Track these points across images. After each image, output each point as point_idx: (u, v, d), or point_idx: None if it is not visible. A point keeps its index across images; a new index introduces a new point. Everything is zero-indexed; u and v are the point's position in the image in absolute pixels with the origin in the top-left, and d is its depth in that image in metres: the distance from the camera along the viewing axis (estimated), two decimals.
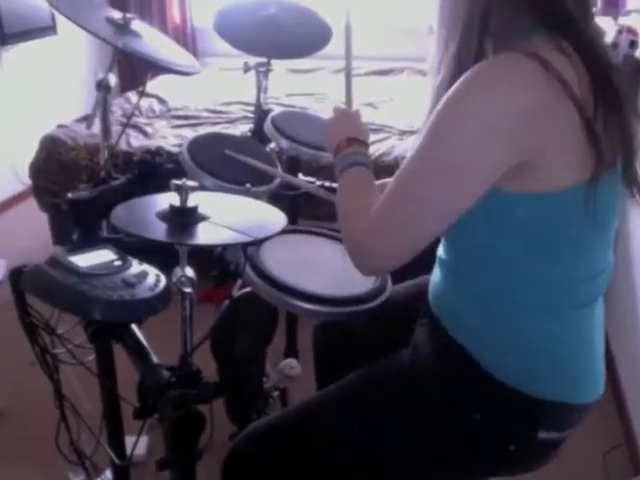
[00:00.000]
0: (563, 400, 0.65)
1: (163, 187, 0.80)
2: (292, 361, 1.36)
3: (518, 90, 0.55)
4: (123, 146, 1.87)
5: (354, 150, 0.73)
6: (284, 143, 1.16)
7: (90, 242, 0.85)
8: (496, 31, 0.61)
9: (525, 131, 0.55)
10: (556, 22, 0.58)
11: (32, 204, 2.04)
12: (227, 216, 0.79)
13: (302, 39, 1.32)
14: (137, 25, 1.13)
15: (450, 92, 0.57)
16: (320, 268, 0.91)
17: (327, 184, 1.23)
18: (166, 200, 0.77)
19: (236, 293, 0.93)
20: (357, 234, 0.63)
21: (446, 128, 0.57)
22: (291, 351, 1.40)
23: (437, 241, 0.79)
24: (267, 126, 1.19)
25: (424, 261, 0.83)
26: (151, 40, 1.14)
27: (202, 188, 0.82)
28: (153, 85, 2.53)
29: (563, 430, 0.67)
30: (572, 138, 0.56)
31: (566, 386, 0.66)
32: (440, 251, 0.73)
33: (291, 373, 1.33)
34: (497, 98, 0.55)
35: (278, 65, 1.41)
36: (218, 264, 0.89)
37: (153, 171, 1.05)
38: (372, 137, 1.97)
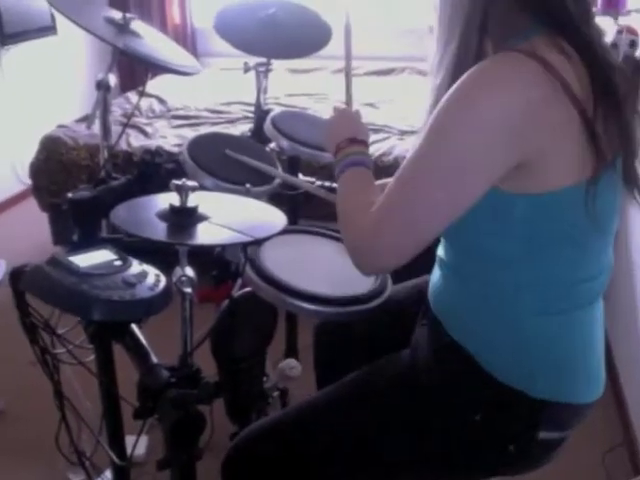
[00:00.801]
0: (563, 401, 0.65)
1: (163, 187, 0.80)
2: (292, 361, 1.36)
3: (518, 90, 0.55)
4: (123, 146, 1.88)
5: (354, 150, 0.73)
6: (284, 143, 1.16)
7: (90, 242, 0.85)
8: (495, 31, 0.61)
9: (525, 131, 0.55)
10: (556, 22, 0.58)
11: (32, 204, 2.04)
12: (227, 216, 0.79)
13: (302, 39, 1.32)
14: (137, 25, 1.13)
15: (450, 92, 0.57)
16: (320, 268, 0.91)
17: (327, 184, 1.23)
18: (166, 200, 0.77)
19: (236, 293, 0.93)
20: (358, 233, 0.63)
21: (446, 128, 0.57)
22: (291, 351, 1.40)
23: (437, 241, 0.80)
24: (267, 126, 1.19)
25: (424, 261, 0.83)
26: (151, 40, 1.14)
27: (202, 188, 0.82)
28: (153, 85, 2.53)
29: (563, 430, 0.67)
30: (572, 138, 0.56)
31: (566, 387, 0.66)
32: (440, 251, 0.73)
33: (291, 373, 1.33)
34: (497, 98, 0.55)
35: (278, 65, 1.42)
36: (218, 264, 0.89)
37: (153, 171, 1.05)
38: (372, 137, 1.98)
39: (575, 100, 0.55)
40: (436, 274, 0.74)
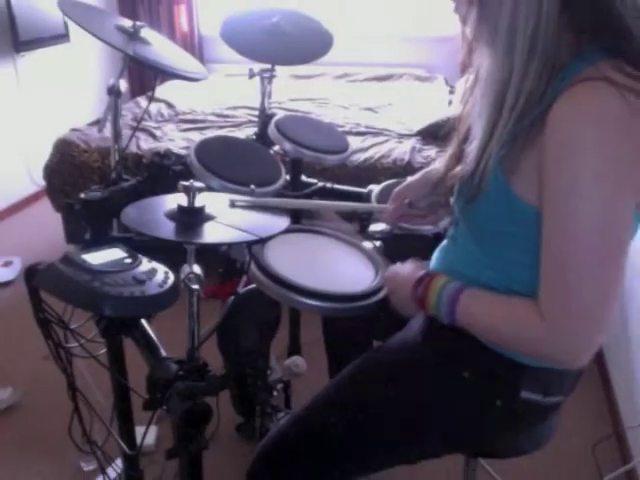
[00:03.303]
0: (542, 365, 0.66)
1: (171, 188, 0.82)
2: (297, 358, 1.39)
3: (621, 117, 0.53)
4: (133, 149, 1.91)
5: (437, 285, 0.66)
6: (288, 146, 1.19)
7: (102, 241, 0.87)
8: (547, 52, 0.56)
9: (636, 154, 0.54)
10: (618, 44, 0.55)
11: (46, 204, 2.08)
12: (232, 216, 0.81)
13: (305, 46, 1.35)
14: (147, 33, 1.16)
15: (557, 143, 0.53)
16: (322, 265, 0.93)
17: (329, 185, 1.26)
18: (174, 200, 0.79)
19: (241, 289, 0.95)
20: (555, 338, 0.57)
21: (579, 183, 0.53)
22: (294, 345, 1.42)
23: (436, 241, 0.82)
24: (271, 130, 1.21)
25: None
26: (160, 47, 1.17)
27: (209, 189, 0.85)
28: (162, 90, 2.57)
29: (547, 395, 0.69)
30: None
31: None
32: (451, 230, 0.74)
33: (297, 371, 1.35)
34: (617, 131, 0.53)
35: (282, 71, 1.44)
36: (224, 262, 0.92)
37: (162, 173, 1.07)
38: (372, 140, 2.01)
39: None
40: (442, 247, 0.76)
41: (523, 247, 0.62)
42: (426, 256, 0.82)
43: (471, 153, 0.62)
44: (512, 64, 0.57)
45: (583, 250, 0.55)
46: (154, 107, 2.37)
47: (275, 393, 1.03)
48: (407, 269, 0.74)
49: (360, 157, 1.84)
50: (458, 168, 0.69)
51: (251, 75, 1.36)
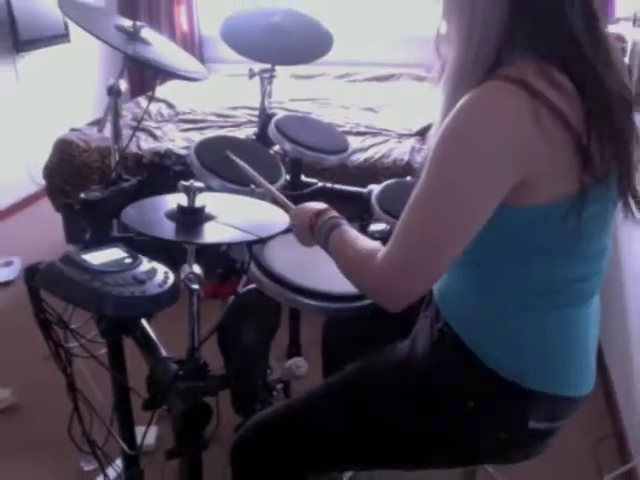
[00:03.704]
0: (552, 392, 0.66)
1: (171, 188, 0.82)
2: (299, 360, 1.38)
3: (510, 119, 0.55)
4: (133, 149, 1.91)
5: (323, 219, 0.74)
6: (288, 146, 1.19)
7: (102, 241, 0.87)
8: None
9: (518, 157, 0.56)
10: (551, 48, 0.57)
11: (46, 204, 2.08)
12: (233, 216, 0.81)
13: (305, 46, 1.35)
14: (147, 33, 1.16)
15: (445, 128, 0.57)
16: (322, 266, 0.93)
17: (329, 185, 1.26)
18: (174, 200, 0.79)
19: (241, 289, 0.96)
20: (372, 281, 0.63)
21: (450, 162, 0.57)
22: (294, 345, 1.42)
23: None
24: (271, 130, 1.22)
25: None
26: (160, 47, 1.17)
27: (209, 189, 0.85)
28: (162, 90, 2.57)
29: (553, 421, 0.69)
30: (564, 159, 0.57)
31: (555, 379, 0.67)
32: None
33: (298, 372, 1.35)
34: (490, 130, 0.56)
35: (282, 71, 1.44)
36: (224, 262, 0.92)
37: (162, 173, 1.07)
38: (372, 140, 2.01)
39: (567, 125, 0.55)
40: None
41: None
42: None
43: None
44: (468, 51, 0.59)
45: (422, 216, 0.59)
46: (154, 107, 2.37)
47: (275, 393, 1.04)
48: (312, 204, 0.78)
49: (360, 157, 1.84)
50: None
51: (251, 75, 1.36)
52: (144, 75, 3.13)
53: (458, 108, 0.57)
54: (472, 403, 0.67)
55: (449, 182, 0.58)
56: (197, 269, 0.81)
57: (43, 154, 2.02)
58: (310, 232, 0.76)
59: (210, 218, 0.78)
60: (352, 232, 0.71)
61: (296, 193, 1.23)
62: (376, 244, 0.67)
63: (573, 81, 0.57)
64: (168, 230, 0.76)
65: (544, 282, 0.65)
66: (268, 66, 1.36)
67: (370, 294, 0.67)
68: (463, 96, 0.58)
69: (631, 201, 0.64)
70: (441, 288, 0.74)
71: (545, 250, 0.63)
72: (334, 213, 0.75)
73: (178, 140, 2.03)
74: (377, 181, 1.24)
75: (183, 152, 1.71)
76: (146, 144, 1.98)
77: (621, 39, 1.40)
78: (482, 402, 0.67)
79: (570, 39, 0.57)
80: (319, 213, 0.75)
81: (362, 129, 2.08)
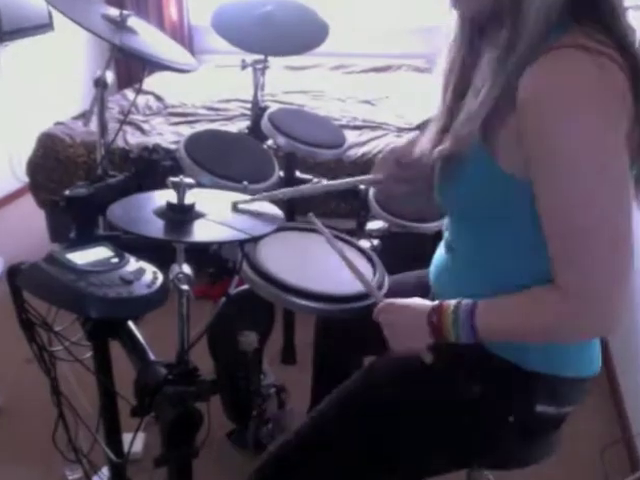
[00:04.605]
0: (557, 374, 0.66)
1: (160, 184, 0.80)
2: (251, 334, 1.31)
3: (613, 79, 0.53)
4: (120, 143, 1.87)
5: (448, 312, 0.63)
6: (281, 140, 1.17)
7: (87, 239, 0.85)
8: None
9: (624, 116, 0.54)
10: (598, 13, 0.55)
11: (30, 201, 2.03)
12: (224, 213, 0.79)
13: (299, 36, 1.32)
14: (134, 22, 1.13)
15: (548, 110, 0.53)
16: (317, 265, 0.92)
17: (325, 181, 1.23)
18: (163, 197, 0.76)
19: (233, 290, 0.93)
20: (558, 320, 0.58)
21: (597, 140, 0.53)
22: (288, 348, 1.40)
23: (435, 240, 0.80)
24: (264, 123, 1.19)
25: (421, 259, 0.83)
26: (148, 37, 1.14)
27: (199, 185, 0.82)
28: (150, 82, 2.52)
29: (560, 405, 0.68)
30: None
31: (559, 360, 0.67)
32: (447, 234, 0.74)
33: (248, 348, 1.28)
34: (608, 89, 0.53)
35: (275, 62, 1.42)
36: (215, 261, 0.89)
37: (150, 168, 1.05)
38: (369, 134, 1.98)
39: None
40: (440, 254, 0.75)
41: (511, 232, 0.61)
42: (424, 254, 0.80)
43: (459, 120, 0.62)
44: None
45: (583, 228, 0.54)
46: (142, 100, 2.33)
47: (268, 398, 1.02)
48: (406, 301, 0.68)
49: (357, 152, 1.81)
50: (441, 147, 0.67)
51: (243, 66, 1.33)
52: (131, 66, 3.07)
53: (556, 85, 0.53)
54: (478, 388, 0.67)
55: (605, 163, 0.52)
56: (187, 269, 0.79)
57: (26, 149, 1.97)
58: (430, 330, 0.64)
59: (200, 216, 0.76)
60: (491, 302, 0.62)
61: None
62: (531, 292, 0.59)
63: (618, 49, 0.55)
64: (156, 228, 0.73)
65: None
66: (261, 57, 1.33)
67: (591, 336, 0.62)
68: (514, 77, 0.54)
69: None
70: (440, 278, 0.73)
71: None
72: (452, 301, 0.64)
73: (167, 134, 1.99)
74: None
75: (172, 147, 1.68)
76: (134, 138, 1.94)
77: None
78: (489, 385, 0.67)
79: (606, 2, 0.57)
80: (436, 309, 0.64)
81: (359, 123, 2.05)
